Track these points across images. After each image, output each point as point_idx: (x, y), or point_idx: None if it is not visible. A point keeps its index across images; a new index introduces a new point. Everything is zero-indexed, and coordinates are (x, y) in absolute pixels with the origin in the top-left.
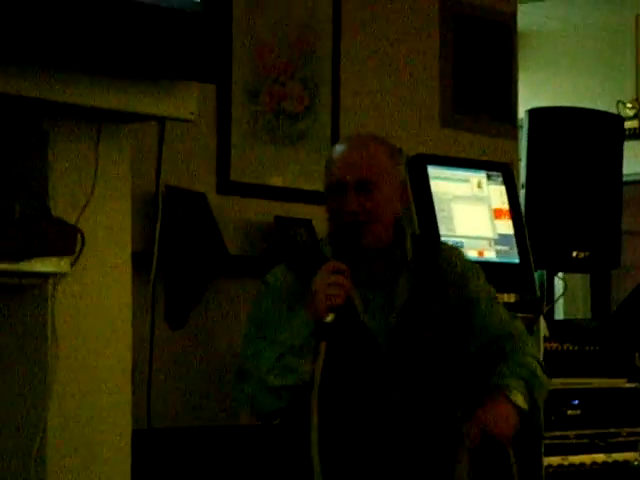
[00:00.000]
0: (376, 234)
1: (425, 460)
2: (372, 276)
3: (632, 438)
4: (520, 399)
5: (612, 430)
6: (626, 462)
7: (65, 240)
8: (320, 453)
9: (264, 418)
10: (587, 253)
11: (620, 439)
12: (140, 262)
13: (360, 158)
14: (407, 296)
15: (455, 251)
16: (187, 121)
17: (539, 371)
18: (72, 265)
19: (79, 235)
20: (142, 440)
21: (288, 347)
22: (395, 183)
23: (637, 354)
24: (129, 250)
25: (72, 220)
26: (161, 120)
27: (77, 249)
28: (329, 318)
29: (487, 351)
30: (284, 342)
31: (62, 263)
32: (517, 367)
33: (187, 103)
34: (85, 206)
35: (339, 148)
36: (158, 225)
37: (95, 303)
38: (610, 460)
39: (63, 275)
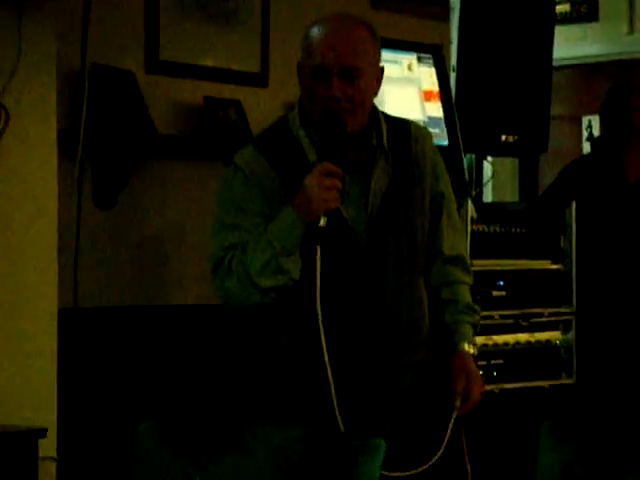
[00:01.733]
0: (357, 120)
1: (404, 349)
2: (346, 162)
3: (554, 318)
4: (475, 349)
5: (535, 310)
6: (548, 342)
7: None
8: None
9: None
10: (516, 137)
11: (543, 319)
12: (66, 141)
13: (345, 44)
14: (386, 184)
15: (429, 138)
16: None
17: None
18: None
19: (3, 111)
20: (68, 319)
21: (280, 249)
22: (375, 66)
23: (562, 236)
24: (54, 128)
25: None
26: None
27: (0, 126)
28: (322, 222)
29: (429, 255)
30: (273, 243)
31: None
32: (467, 315)
33: None
34: (8, 83)
35: (320, 29)
36: (84, 103)
37: (20, 181)
38: (533, 340)
39: None
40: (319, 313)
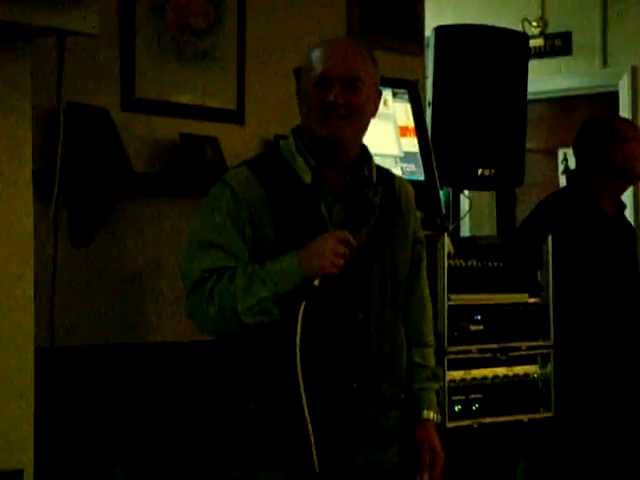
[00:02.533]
0: (353, 132)
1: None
2: (335, 188)
3: (532, 352)
4: (439, 416)
5: (513, 344)
6: (526, 375)
7: None
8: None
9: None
10: (492, 171)
11: (521, 353)
12: (42, 180)
13: (348, 56)
14: (376, 217)
15: (408, 185)
16: (89, 35)
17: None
18: None
19: None
20: (45, 358)
21: (272, 293)
22: (373, 85)
23: (539, 270)
24: (30, 167)
25: None
26: (61, 34)
27: None
28: (317, 282)
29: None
30: (268, 285)
31: None
32: (434, 382)
33: (88, 16)
34: None
35: (322, 47)
36: (60, 142)
37: None
38: (511, 374)
39: None
40: (298, 366)
